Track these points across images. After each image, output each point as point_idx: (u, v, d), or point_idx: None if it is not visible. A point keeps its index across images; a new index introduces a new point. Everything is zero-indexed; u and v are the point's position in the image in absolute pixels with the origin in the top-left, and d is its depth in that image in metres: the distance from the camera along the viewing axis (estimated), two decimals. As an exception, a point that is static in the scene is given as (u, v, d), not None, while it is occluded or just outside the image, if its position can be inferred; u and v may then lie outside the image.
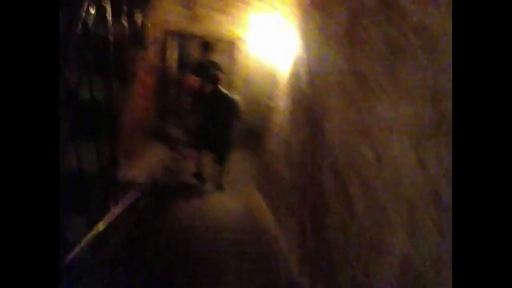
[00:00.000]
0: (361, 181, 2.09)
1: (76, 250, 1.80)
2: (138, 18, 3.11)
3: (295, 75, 4.37)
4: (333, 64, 2.85)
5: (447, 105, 1.38)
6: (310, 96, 3.48)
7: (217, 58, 7.54)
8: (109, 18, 2.21)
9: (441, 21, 1.48)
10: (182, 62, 6.33)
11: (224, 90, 5.12)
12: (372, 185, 1.94)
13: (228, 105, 5.13)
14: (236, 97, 5.25)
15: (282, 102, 5.18)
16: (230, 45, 5.64)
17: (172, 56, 5.85)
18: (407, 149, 1.62)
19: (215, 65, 5.67)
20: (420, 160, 1.51)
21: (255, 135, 6.35)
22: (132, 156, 5.74)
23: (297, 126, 3.93)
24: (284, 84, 5.28)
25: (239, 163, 6.32)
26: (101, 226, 2.13)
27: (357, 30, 2.39)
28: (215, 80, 5.11)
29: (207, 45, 5.65)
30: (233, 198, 5.49)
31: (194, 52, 6.14)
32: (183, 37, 5.68)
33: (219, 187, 5.57)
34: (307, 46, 3.88)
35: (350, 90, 2.41)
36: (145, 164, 5.48)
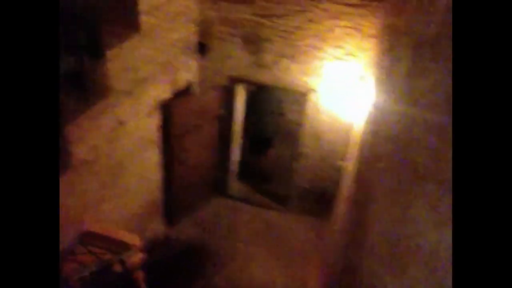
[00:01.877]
0: None
1: None
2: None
3: (364, 135, 3.46)
4: (388, 128, 1.95)
5: None
6: (365, 167, 2.56)
7: (287, 109, 6.95)
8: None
9: None
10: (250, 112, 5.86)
11: None
12: None
13: None
14: None
15: (350, 163, 4.24)
16: (301, 96, 4.93)
17: (238, 105, 5.33)
18: None
19: None
20: None
21: (324, 200, 5.40)
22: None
23: (353, 202, 2.98)
24: (355, 141, 4.35)
25: (305, 231, 5.40)
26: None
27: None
28: None
29: None
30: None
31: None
32: (251, 85, 5.16)
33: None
34: (376, 99, 3.00)
35: (396, 172, 1.50)
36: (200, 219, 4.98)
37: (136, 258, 3.33)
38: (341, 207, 4.12)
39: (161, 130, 4.44)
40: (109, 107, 3.26)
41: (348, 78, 4.51)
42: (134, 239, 3.47)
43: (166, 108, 4.35)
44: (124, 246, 3.35)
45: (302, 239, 5.26)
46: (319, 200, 5.48)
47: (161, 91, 4.22)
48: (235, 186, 6.02)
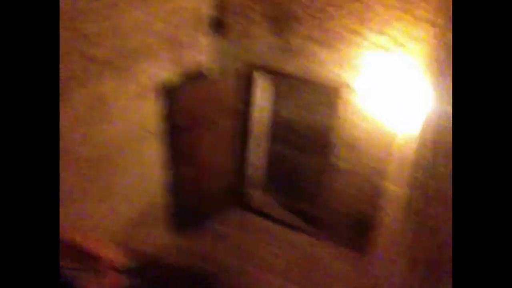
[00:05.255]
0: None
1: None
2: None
3: (419, 146, 2.67)
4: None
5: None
6: (421, 194, 1.81)
7: (314, 110, 6.02)
8: None
9: None
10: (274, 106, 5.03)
11: None
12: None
13: None
14: None
15: (397, 185, 3.42)
16: (333, 94, 4.09)
17: (258, 97, 4.54)
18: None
19: None
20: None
21: (362, 227, 4.47)
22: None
23: (411, 227, 2.23)
24: (403, 157, 3.50)
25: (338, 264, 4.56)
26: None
27: None
28: None
29: None
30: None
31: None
32: (273, 74, 4.35)
33: None
34: (436, 102, 2.23)
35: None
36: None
37: (111, 279, 2.67)
38: (385, 240, 3.33)
39: (165, 120, 3.76)
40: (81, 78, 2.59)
41: (393, 73, 3.66)
42: (112, 254, 2.80)
43: (172, 93, 3.66)
44: (101, 263, 2.70)
45: (334, 273, 4.38)
46: (356, 227, 4.54)
47: (160, 69, 3.52)
48: (259, 198, 5.23)
